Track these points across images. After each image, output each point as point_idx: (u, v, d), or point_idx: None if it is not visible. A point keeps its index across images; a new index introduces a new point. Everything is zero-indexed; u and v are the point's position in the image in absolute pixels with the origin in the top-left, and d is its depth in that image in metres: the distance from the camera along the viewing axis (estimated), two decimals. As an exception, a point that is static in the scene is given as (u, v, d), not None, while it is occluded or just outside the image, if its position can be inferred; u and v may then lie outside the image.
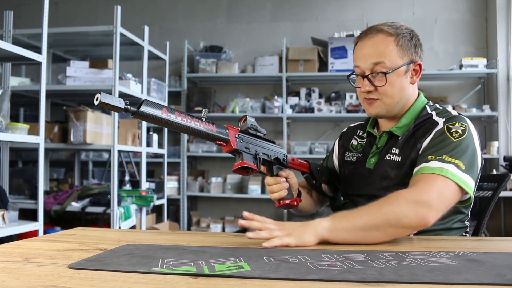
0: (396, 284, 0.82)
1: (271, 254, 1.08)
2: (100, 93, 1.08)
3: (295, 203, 1.54)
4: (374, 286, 0.81)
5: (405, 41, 1.52)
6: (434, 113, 1.54)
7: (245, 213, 1.28)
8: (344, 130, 1.85)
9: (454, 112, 1.52)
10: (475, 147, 1.42)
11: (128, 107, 1.12)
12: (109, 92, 3.79)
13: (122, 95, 3.94)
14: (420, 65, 1.57)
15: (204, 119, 1.26)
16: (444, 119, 1.49)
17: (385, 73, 1.48)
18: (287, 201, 1.52)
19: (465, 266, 0.94)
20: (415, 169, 1.41)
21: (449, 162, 1.35)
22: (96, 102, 1.08)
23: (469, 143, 1.41)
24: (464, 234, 1.54)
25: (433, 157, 1.38)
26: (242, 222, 1.26)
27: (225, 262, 0.99)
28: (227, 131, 1.32)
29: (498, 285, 0.82)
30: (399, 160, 1.51)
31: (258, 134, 1.44)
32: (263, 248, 1.16)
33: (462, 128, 1.43)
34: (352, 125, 1.84)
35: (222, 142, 1.32)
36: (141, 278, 0.86)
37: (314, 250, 1.13)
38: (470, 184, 1.36)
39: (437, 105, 1.61)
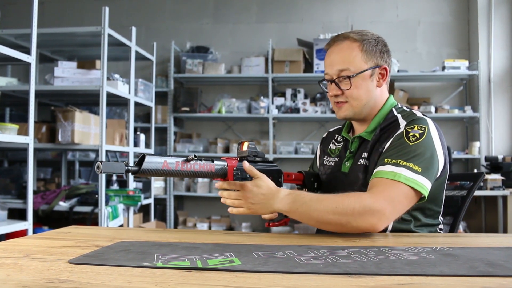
0: (376, 276, 0.89)
1: (260, 250, 1.14)
2: (101, 162, 1.11)
3: (284, 224, 1.62)
4: (356, 278, 0.87)
5: (369, 47, 1.60)
6: (399, 115, 1.60)
7: (217, 184, 1.43)
8: (324, 135, 1.92)
9: (419, 114, 1.57)
10: (433, 149, 1.47)
11: (129, 168, 1.16)
12: (97, 93, 3.84)
13: (110, 95, 3.97)
14: (386, 69, 1.64)
15: (203, 159, 1.31)
16: (405, 122, 1.54)
17: (349, 77, 1.57)
18: (277, 223, 1.59)
19: (441, 260, 1.01)
20: (374, 171, 1.48)
21: (403, 166, 1.42)
22: (97, 171, 1.12)
23: (426, 146, 1.46)
24: (438, 230, 1.61)
25: (389, 160, 1.45)
26: (217, 185, 1.43)
27: (217, 257, 1.05)
28: (225, 166, 1.37)
29: (471, 276, 0.88)
30: (367, 164, 1.58)
31: (257, 159, 1.49)
32: (252, 244, 1.22)
33: (421, 131, 1.48)
34: (331, 129, 1.91)
35: (220, 178, 1.39)
36: (139, 272, 0.92)
37: (300, 246, 1.19)
38: (425, 185, 1.42)
39: (404, 107, 1.66)
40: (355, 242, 1.26)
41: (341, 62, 1.58)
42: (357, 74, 1.57)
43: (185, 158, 1.26)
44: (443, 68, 5.52)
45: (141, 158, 1.18)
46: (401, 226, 1.51)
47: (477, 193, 4.86)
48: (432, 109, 5.50)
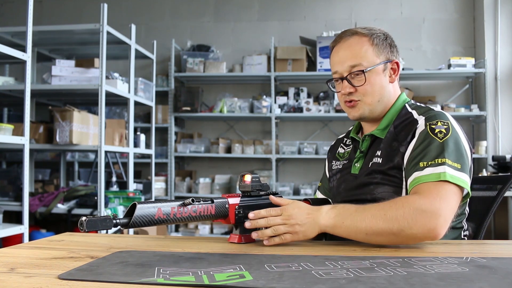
0: (409, 295, 0.78)
1: (272, 261, 1.03)
2: (85, 220, 0.99)
3: None
4: (386, 297, 0.77)
5: (379, 41, 1.52)
6: (414, 112, 1.51)
7: (250, 215, 1.28)
8: (333, 143, 1.82)
9: (437, 109, 1.48)
10: (462, 143, 1.38)
11: (118, 221, 1.04)
12: (95, 92, 3.73)
13: (109, 95, 3.86)
14: (397, 64, 1.56)
15: (201, 200, 1.21)
16: (424, 118, 1.44)
17: (363, 71, 1.47)
18: None
19: (477, 273, 0.90)
20: (410, 179, 1.36)
21: (443, 165, 1.30)
22: (81, 229, 1.00)
23: (456, 140, 1.37)
24: (463, 235, 1.50)
25: (425, 163, 1.33)
26: (247, 225, 1.28)
27: (225, 270, 0.94)
28: (227, 205, 1.27)
29: (516, 294, 0.78)
30: (381, 162, 1.47)
31: (261, 193, 1.37)
32: (263, 254, 1.11)
33: (445, 126, 1.39)
34: (340, 136, 1.81)
35: (221, 219, 1.28)
36: (137, 290, 0.81)
37: (316, 256, 1.08)
38: (467, 181, 1.32)
39: (418, 103, 1.57)
40: (375, 252, 1.15)
41: (352, 57, 1.49)
42: (371, 69, 1.48)
43: (181, 202, 1.14)
44: (449, 66, 5.41)
45: (131, 207, 1.07)
46: None
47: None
48: (438, 107, 5.38)
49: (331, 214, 1.27)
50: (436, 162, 1.31)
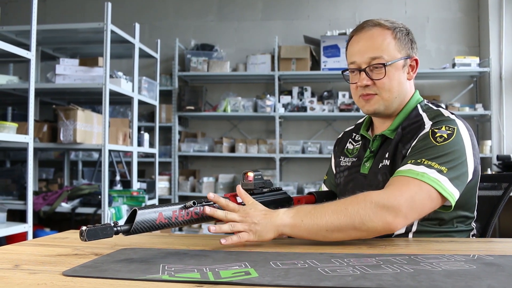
0: (416, 292, 0.77)
1: (278, 258, 1.02)
2: (85, 229, 0.99)
3: None
4: (393, 294, 0.76)
5: (402, 35, 1.48)
6: (425, 114, 1.47)
7: (210, 194, 1.23)
8: (340, 135, 1.77)
9: (447, 114, 1.43)
10: (462, 152, 1.33)
11: (118, 229, 1.04)
12: (99, 91, 3.73)
13: (113, 94, 3.86)
14: (416, 61, 1.53)
15: (203, 202, 1.20)
16: (431, 122, 1.41)
17: (384, 65, 1.43)
18: None
19: (484, 271, 0.89)
20: (395, 173, 1.35)
21: (425, 165, 1.28)
22: (82, 239, 0.99)
23: (454, 147, 1.32)
24: (471, 235, 1.49)
25: (411, 160, 1.32)
26: (207, 211, 1.20)
27: (230, 267, 0.94)
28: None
29: (525, 291, 0.77)
30: (389, 165, 1.44)
31: (264, 190, 1.36)
32: (268, 252, 1.11)
33: (449, 132, 1.34)
34: (347, 129, 1.76)
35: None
36: (142, 286, 0.80)
37: (322, 254, 1.07)
38: (449, 189, 1.27)
39: (431, 105, 1.53)
40: (380, 249, 1.14)
41: (373, 49, 1.44)
42: (392, 63, 1.44)
43: (182, 205, 1.14)
44: (453, 65, 5.39)
45: (131, 214, 1.06)
46: (431, 228, 1.39)
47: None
48: (444, 109, 5.35)
49: (288, 214, 1.22)
50: (422, 161, 1.30)
